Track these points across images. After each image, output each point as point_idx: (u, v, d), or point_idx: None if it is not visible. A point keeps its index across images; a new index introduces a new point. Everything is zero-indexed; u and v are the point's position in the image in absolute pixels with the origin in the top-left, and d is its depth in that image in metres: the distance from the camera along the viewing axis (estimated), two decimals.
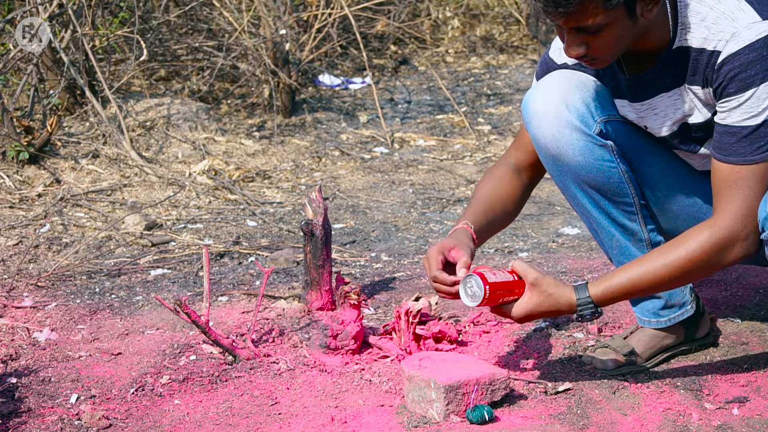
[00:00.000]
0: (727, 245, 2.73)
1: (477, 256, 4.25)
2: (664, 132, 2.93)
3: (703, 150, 2.93)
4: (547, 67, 3.05)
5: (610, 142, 2.96)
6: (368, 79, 7.18)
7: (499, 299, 2.80)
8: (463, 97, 7.09)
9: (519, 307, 2.80)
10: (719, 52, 2.70)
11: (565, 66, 3.01)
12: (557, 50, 3.03)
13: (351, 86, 7.24)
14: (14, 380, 3.05)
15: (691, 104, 2.83)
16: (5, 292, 3.78)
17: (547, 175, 3.13)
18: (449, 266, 2.91)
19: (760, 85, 2.66)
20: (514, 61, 8.06)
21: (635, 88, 2.89)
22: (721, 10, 2.70)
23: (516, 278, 2.82)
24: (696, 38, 2.74)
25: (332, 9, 6.68)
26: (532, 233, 4.65)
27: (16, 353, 3.25)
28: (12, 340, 3.35)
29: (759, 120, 2.68)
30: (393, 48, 8.06)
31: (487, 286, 2.77)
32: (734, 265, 2.84)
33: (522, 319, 2.82)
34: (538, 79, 3.07)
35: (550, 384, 2.98)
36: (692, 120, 2.86)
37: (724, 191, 2.74)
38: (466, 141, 6.12)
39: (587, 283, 2.79)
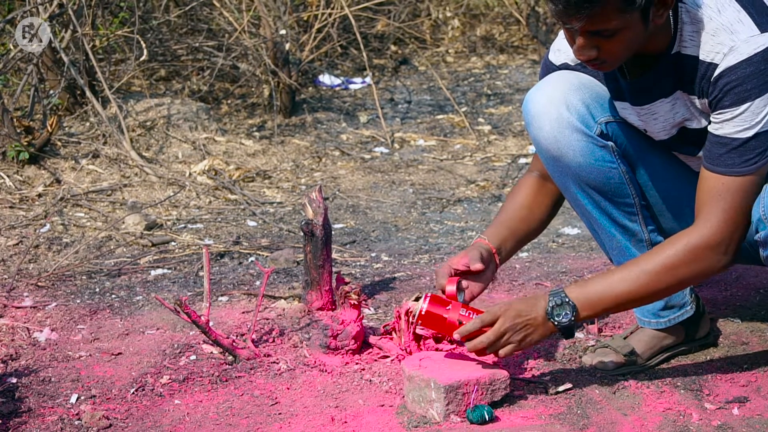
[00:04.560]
0: (705, 254, 2.75)
1: None
2: (664, 136, 2.94)
3: (701, 153, 2.93)
4: (548, 70, 3.05)
5: (610, 143, 2.96)
6: (368, 79, 7.18)
7: (445, 327, 2.86)
8: (463, 97, 7.09)
9: (491, 331, 2.82)
10: (716, 65, 2.69)
11: (564, 66, 3.01)
12: (556, 51, 3.03)
13: (351, 86, 7.24)
14: (14, 380, 3.05)
15: (690, 110, 2.83)
16: (5, 292, 3.78)
17: None
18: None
19: (755, 100, 2.66)
20: (514, 61, 8.06)
21: (636, 92, 2.89)
22: (721, 21, 2.69)
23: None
24: (694, 47, 2.73)
25: (332, 9, 6.68)
26: None
27: (16, 353, 3.25)
28: (12, 340, 3.35)
29: (750, 133, 2.69)
30: (393, 48, 8.06)
31: (428, 300, 2.86)
32: (715, 275, 2.86)
33: (498, 339, 2.81)
34: (540, 80, 3.07)
35: (550, 384, 2.98)
36: (691, 125, 2.86)
37: (707, 201, 2.76)
38: (466, 141, 6.12)
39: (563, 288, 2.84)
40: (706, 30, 2.71)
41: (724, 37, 2.68)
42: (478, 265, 2.95)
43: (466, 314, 2.85)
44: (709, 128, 2.76)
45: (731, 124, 2.70)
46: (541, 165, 3.13)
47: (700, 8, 2.72)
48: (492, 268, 3.05)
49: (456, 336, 2.82)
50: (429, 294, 2.88)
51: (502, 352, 2.81)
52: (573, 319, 2.78)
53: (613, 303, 2.81)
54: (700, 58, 2.72)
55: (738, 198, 2.73)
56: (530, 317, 2.80)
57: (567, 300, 2.79)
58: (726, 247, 2.76)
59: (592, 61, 2.73)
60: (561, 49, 3.01)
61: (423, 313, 2.85)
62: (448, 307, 2.86)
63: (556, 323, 2.79)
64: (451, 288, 2.92)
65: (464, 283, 3.00)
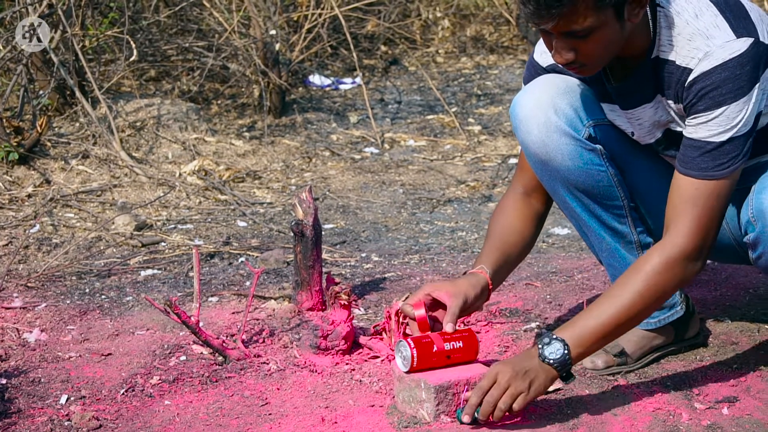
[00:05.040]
0: (682, 264, 2.76)
1: (468, 257, 4.26)
2: (650, 139, 2.94)
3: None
4: (534, 70, 3.05)
5: (599, 146, 2.96)
6: (358, 80, 7.18)
7: (436, 363, 2.84)
8: (453, 98, 7.09)
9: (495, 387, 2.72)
10: (691, 70, 2.69)
11: (552, 68, 3.00)
12: (542, 53, 3.02)
13: (341, 86, 7.23)
14: (4, 381, 3.05)
15: (671, 114, 2.84)
16: None
17: None
18: (439, 305, 2.95)
19: (730, 104, 2.66)
20: (504, 61, 8.07)
21: (621, 96, 2.89)
22: (697, 26, 2.69)
23: (466, 342, 2.88)
24: (670, 51, 2.73)
25: (322, 9, 6.68)
26: None
27: (5, 354, 3.24)
28: (2, 340, 3.35)
29: (724, 137, 2.69)
30: (383, 48, 8.06)
31: (415, 350, 2.81)
32: (692, 280, 2.87)
33: (503, 392, 2.70)
34: (525, 82, 3.06)
35: None
36: (675, 128, 2.87)
37: (679, 206, 2.76)
38: (456, 141, 6.12)
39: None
40: (683, 35, 2.71)
41: (699, 42, 2.68)
42: (449, 327, 2.87)
43: (450, 338, 2.85)
44: (684, 132, 2.77)
45: (705, 128, 2.70)
46: (524, 180, 3.12)
47: (678, 13, 2.72)
48: (483, 300, 3.00)
49: (465, 419, 2.70)
50: (409, 340, 2.83)
51: (516, 405, 2.69)
52: (567, 353, 2.71)
53: (602, 333, 2.75)
54: (677, 62, 2.72)
55: (711, 202, 2.74)
56: (528, 365, 2.72)
57: (555, 337, 2.73)
58: (700, 253, 2.77)
59: (571, 65, 2.72)
60: (547, 51, 3.01)
61: (415, 364, 2.83)
62: (427, 340, 2.85)
63: (551, 362, 2.71)
64: (421, 313, 2.90)
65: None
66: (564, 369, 2.73)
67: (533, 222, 3.13)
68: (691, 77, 2.69)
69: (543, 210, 3.15)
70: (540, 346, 2.73)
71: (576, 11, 2.59)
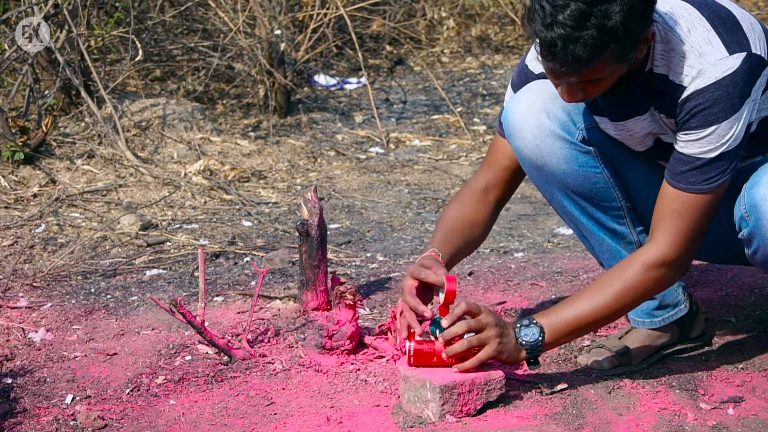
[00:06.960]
0: (662, 271, 2.81)
1: (473, 256, 4.26)
2: (641, 148, 2.96)
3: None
4: (525, 76, 3.04)
5: (593, 148, 2.97)
6: (364, 79, 7.18)
7: (433, 361, 2.85)
8: (458, 98, 7.09)
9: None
10: (684, 87, 2.71)
11: (543, 75, 2.99)
12: (534, 60, 3.02)
13: (346, 86, 7.24)
14: (9, 381, 3.05)
15: (663, 127, 2.85)
16: (0, 292, 3.77)
17: None
18: (426, 291, 2.98)
19: (721, 123, 2.68)
20: (509, 61, 8.06)
21: (613, 109, 2.90)
22: (690, 42, 2.70)
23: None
24: (664, 66, 2.75)
25: (328, 9, 6.68)
26: (527, 233, 4.65)
27: (11, 354, 3.25)
28: (7, 340, 3.35)
29: (714, 154, 2.72)
30: (388, 48, 8.06)
31: (412, 344, 2.85)
32: (671, 286, 2.93)
33: (480, 329, 2.81)
34: (513, 85, 3.06)
35: (545, 384, 2.98)
36: (666, 139, 2.88)
37: (665, 216, 2.80)
38: (461, 141, 6.12)
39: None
40: (676, 50, 2.72)
41: (692, 59, 2.69)
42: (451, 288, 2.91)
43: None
44: (675, 146, 2.78)
45: (696, 144, 2.72)
46: (488, 174, 3.14)
47: (671, 28, 2.73)
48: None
49: (440, 339, 2.81)
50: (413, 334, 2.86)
51: (483, 352, 2.79)
52: (540, 339, 2.81)
53: (576, 327, 2.84)
54: (670, 78, 2.74)
55: (696, 215, 2.77)
56: (508, 333, 2.82)
57: (534, 322, 2.83)
58: (681, 263, 2.83)
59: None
60: (539, 59, 3.00)
61: (412, 361, 2.85)
62: (431, 338, 2.87)
63: (523, 343, 2.81)
64: (452, 286, 2.90)
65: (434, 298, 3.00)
66: (533, 354, 2.83)
67: (486, 214, 3.15)
68: (684, 94, 2.71)
69: (497, 204, 3.16)
70: (518, 325, 2.83)
71: (599, 66, 2.63)
